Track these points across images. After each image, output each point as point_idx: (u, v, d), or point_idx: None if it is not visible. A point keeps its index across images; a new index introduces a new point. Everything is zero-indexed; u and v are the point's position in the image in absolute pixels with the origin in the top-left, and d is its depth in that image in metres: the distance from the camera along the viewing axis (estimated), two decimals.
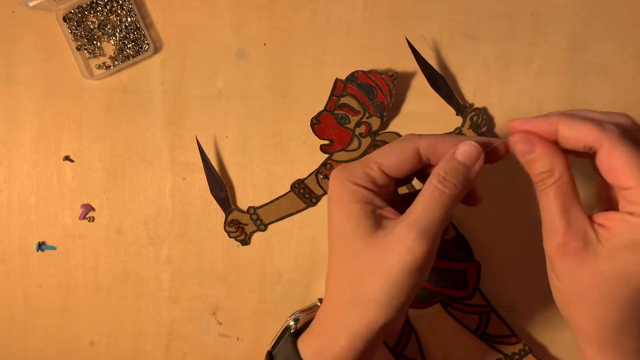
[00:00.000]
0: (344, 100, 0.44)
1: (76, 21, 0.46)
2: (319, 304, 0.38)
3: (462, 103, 0.45)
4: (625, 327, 0.30)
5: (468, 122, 0.45)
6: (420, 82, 0.46)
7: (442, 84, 0.44)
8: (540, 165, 0.30)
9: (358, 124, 0.45)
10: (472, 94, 0.45)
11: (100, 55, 0.47)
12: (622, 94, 0.45)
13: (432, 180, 0.31)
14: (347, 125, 0.45)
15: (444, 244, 0.45)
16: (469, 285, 0.45)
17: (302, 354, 0.33)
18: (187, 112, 0.47)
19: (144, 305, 0.49)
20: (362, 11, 0.46)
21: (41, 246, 0.48)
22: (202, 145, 0.46)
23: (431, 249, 0.30)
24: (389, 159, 0.33)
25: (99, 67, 0.47)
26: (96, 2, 0.46)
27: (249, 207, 0.47)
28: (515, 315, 0.46)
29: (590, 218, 0.29)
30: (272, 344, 0.38)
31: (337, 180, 0.33)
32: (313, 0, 0.46)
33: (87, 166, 0.48)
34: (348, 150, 0.45)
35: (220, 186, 0.46)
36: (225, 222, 0.47)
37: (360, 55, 0.46)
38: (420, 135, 0.33)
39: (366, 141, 0.45)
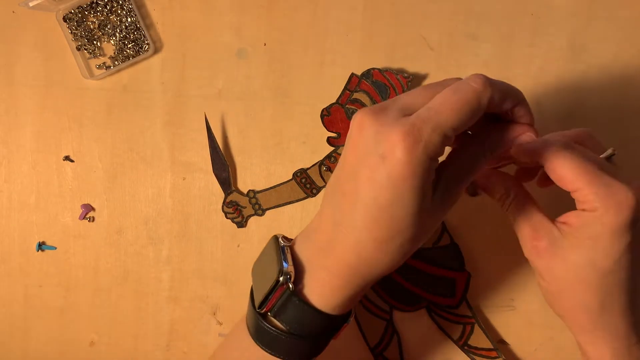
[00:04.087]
0: (356, 95, 0.44)
1: (76, 21, 0.46)
2: (282, 242, 0.35)
3: None
4: (606, 312, 0.33)
5: None
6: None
7: None
8: (497, 190, 0.36)
9: None
10: None
11: (100, 55, 0.47)
12: (622, 94, 0.45)
13: (486, 155, 0.33)
14: None
15: (437, 251, 0.46)
16: (456, 294, 0.45)
17: (320, 307, 0.34)
18: (187, 112, 0.47)
19: (144, 305, 0.49)
20: (362, 11, 0.46)
21: (41, 246, 0.48)
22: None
23: None
24: (466, 123, 0.30)
25: (99, 67, 0.47)
26: (96, 2, 0.46)
27: (249, 190, 0.47)
28: (515, 316, 0.46)
29: (555, 220, 0.34)
30: (261, 304, 0.35)
31: (415, 151, 0.29)
32: (313, 0, 0.46)
33: (87, 166, 0.48)
34: None
35: (222, 166, 0.46)
36: (223, 202, 0.47)
37: (360, 55, 0.46)
38: (487, 85, 0.31)
39: None
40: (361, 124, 0.31)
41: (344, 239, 0.32)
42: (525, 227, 0.34)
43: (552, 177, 0.32)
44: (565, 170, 0.32)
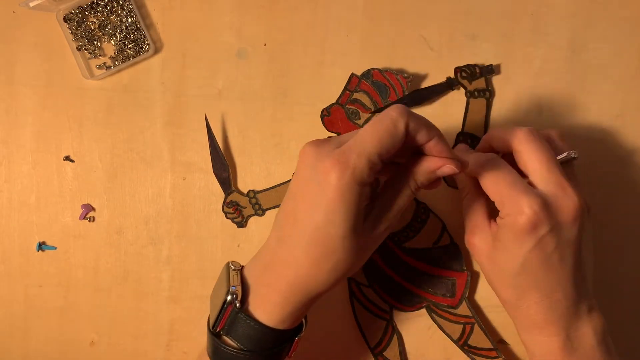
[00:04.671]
0: (356, 95, 0.44)
1: (76, 21, 0.46)
2: (232, 266, 0.39)
3: None
4: (522, 306, 0.38)
5: None
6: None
7: None
8: (458, 184, 0.42)
9: (367, 121, 0.44)
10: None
11: (100, 55, 0.47)
12: (622, 94, 0.45)
13: (411, 185, 0.36)
14: (356, 121, 0.44)
15: (437, 251, 0.46)
16: (456, 294, 0.45)
17: (265, 322, 0.36)
18: (187, 112, 0.47)
19: (144, 305, 0.49)
20: (362, 11, 0.46)
21: (41, 246, 0.48)
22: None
23: None
24: (388, 149, 0.34)
25: (99, 67, 0.47)
26: (96, 3, 0.46)
27: (249, 190, 0.47)
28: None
29: (492, 221, 0.39)
30: (214, 324, 0.38)
31: (344, 176, 0.33)
32: (313, 1, 0.46)
33: (87, 166, 0.48)
34: None
35: (222, 166, 0.46)
36: (224, 202, 0.47)
37: (360, 55, 0.46)
38: (404, 113, 0.34)
39: None
40: (304, 155, 0.35)
41: (283, 256, 0.36)
42: (467, 223, 0.41)
43: (484, 189, 0.38)
44: (486, 185, 0.38)
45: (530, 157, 0.37)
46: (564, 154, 0.39)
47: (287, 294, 0.36)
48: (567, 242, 0.36)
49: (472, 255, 0.41)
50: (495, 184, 0.37)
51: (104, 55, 0.47)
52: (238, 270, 0.38)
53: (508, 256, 0.37)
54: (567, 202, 0.36)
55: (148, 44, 0.46)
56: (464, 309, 0.45)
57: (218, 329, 0.37)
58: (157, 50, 0.47)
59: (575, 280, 0.37)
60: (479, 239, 0.39)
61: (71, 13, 0.46)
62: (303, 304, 0.36)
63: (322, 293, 0.37)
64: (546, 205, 0.35)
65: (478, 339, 0.45)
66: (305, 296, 0.36)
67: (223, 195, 0.47)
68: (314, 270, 0.35)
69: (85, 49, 0.47)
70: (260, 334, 0.36)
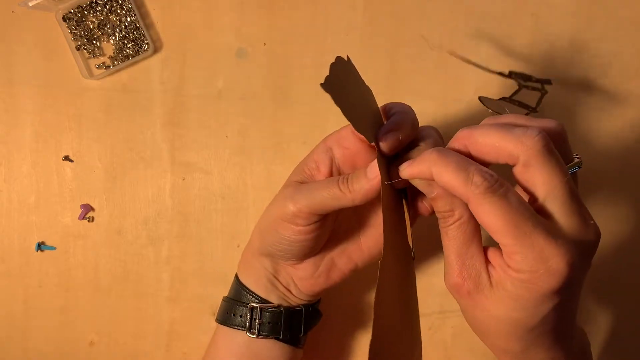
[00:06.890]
0: None
1: (76, 21, 0.46)
2: None
3: None
4: (530, 353, 0.30)
5: None
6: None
7: None
8: (441, 204, 0.30)
9: None
10: (472, 94, 0.46)
11: (100, 55, 0.47)
12: (622, 94, 0.45)
13: (339, 182, 0.34)
14: None
15: None
16: None
17: (241, 278, 0.41)
18: (187, 112, 0.47)
19: (144, 305, 0.49)
20: (362, 11, 0.46)
21: (41, 246, 0.48)
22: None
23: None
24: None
25: (99, 67, 0.47)
26: (96, 2, 0.46)
27: None
28: None
29: (487, 253, 0.30)
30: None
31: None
32: (313, 0, 0.46)
33: (87, 166, 0.48)
34: None
35: None
36: None
37: (360, 55, 0.46)
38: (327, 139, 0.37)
39: None
40: None
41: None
42: (456, 259, 0.30)
43: (478, 220, 0.29)
44: (492, 219, 0.27)
45: (545, 177, 0.28)
46: (570, 163, 0.31)
47: (247, 244, 0.41)
48: (583, 276, 0.30)
49: (455, 298, 0.31)
50: (510, 221, 0.27)
51: (103, 54, 0.47)
52: None
53: (521, 314, 0.29)
54: (590, 236, 0.28)
55: (147, 44, 0.46)
56: None
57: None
58: (156, 50, 0.47)
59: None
60: (472, 286, 0.29)
61: (70, 12, 0.46)
62: (260, 260, 0.40)
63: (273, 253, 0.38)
64: (579, 253, 0.27)
65: None
66: (257, 250, 0.39)
67: (222, 195, 0.47)
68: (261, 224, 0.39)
69: (85, 49, 0.47)
70: (235, 283, 0.41)
